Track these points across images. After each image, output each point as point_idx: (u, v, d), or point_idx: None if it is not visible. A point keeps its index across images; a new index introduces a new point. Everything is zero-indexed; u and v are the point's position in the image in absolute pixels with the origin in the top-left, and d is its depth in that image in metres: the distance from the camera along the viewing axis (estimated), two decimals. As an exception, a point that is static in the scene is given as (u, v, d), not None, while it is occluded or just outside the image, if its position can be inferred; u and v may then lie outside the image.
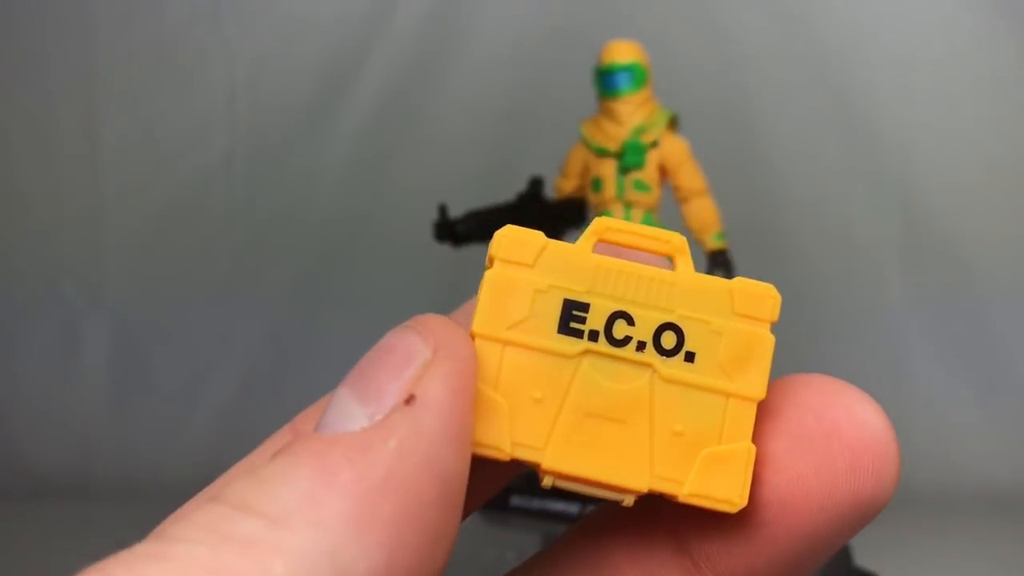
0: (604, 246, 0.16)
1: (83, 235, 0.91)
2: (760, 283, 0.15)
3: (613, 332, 0.15)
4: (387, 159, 0.90)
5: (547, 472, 0.15)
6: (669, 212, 0.61)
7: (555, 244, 0.15)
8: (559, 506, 0.60)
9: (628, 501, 0.15)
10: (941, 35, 0.85)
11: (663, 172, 0.60)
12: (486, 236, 0.58)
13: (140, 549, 0.12)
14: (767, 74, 0.86)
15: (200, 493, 0.17)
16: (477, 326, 0.15)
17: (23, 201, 0.91)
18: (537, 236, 0.15)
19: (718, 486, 0.15)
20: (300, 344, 0.90)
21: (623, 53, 0.60)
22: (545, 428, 0.15)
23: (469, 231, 0.60)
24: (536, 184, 0.64)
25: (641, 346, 0.15)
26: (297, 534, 0.12)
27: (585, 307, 0.15)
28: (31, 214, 0.91)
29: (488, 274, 0.15)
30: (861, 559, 0.57)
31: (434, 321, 0.15)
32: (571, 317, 0.15)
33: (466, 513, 0.14)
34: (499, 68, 0.88)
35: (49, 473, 0.85)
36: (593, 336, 0.15)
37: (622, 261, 0.15)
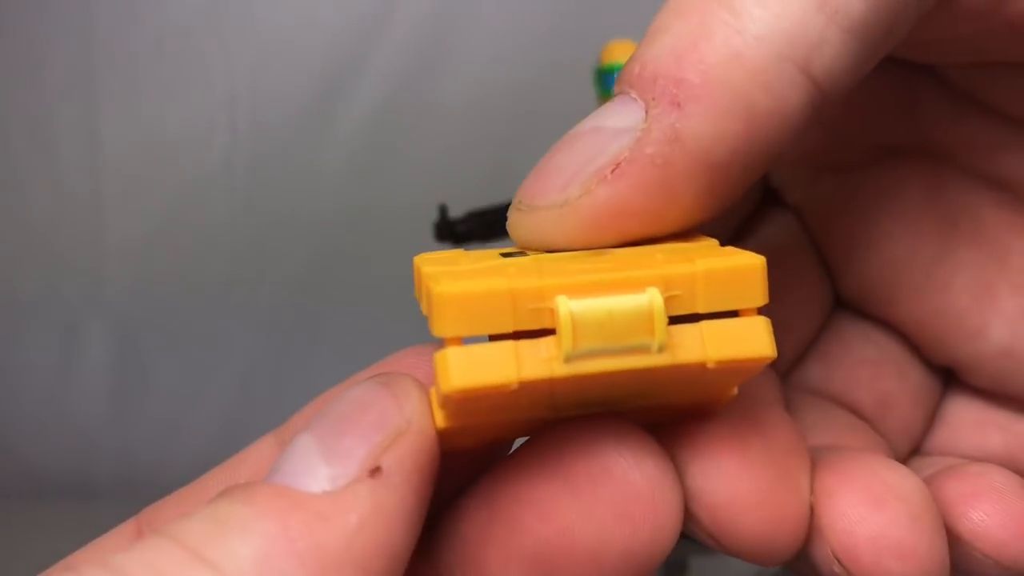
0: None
1: (83, 235, 0.91)
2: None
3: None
4: (387, 159, 0.90)
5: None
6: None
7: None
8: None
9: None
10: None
11: (663, 172, 0.60)
12: (486, 236, 0.58)
13: None
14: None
15: (180, 492, 0.17)
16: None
17: (23, 202, 0.91)
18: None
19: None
20: (300, 344, 0.90)
21: (623, 53, 0.60)
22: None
23: (469, 231, 0.60)
24: (536, 184, 0.63)
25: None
26: None
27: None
28: (31, 214, 0.91)
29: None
30: (861, 559, 0.57)
31: (413, 388, 0.14)
32: None
33: None
34: (499, 68, 0.88)
35: (49, 473, 0.85)
36: None
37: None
